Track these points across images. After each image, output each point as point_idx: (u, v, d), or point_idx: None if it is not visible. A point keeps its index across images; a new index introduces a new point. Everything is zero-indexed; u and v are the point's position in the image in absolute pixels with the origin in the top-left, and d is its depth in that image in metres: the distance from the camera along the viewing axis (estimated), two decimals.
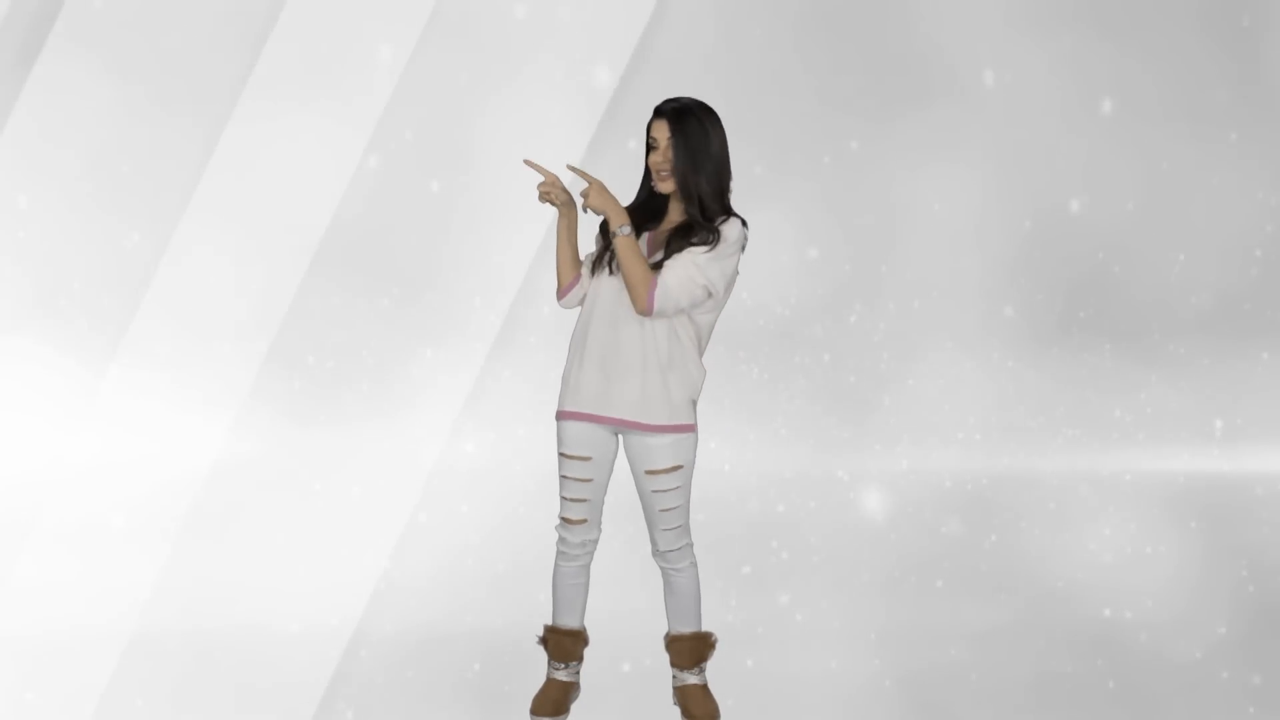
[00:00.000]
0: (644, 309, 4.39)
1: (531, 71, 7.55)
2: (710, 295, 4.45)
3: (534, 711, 4.66)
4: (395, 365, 7.64)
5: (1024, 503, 7.31)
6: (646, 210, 4.52)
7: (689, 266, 4.39)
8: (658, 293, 4.37)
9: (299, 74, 7.56)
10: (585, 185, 4.45)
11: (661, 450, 4.47)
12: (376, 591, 5.98)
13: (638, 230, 4.48)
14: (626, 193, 4.61)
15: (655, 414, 4.46)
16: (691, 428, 4.52)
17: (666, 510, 4.53)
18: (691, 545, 4.63)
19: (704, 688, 4.68)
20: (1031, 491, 7.44)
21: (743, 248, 4.47)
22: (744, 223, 4.47)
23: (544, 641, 4.72)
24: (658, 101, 4.56)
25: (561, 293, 4.64)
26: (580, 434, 4.51)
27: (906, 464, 7.66)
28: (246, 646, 5.36)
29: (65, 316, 7.50)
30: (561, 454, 4.55)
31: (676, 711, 4.68)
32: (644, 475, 4.51)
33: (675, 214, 4.51)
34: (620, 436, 4.54)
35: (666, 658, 4.75)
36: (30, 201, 7.51)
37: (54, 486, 6.92)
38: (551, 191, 4.52)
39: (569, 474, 4.54)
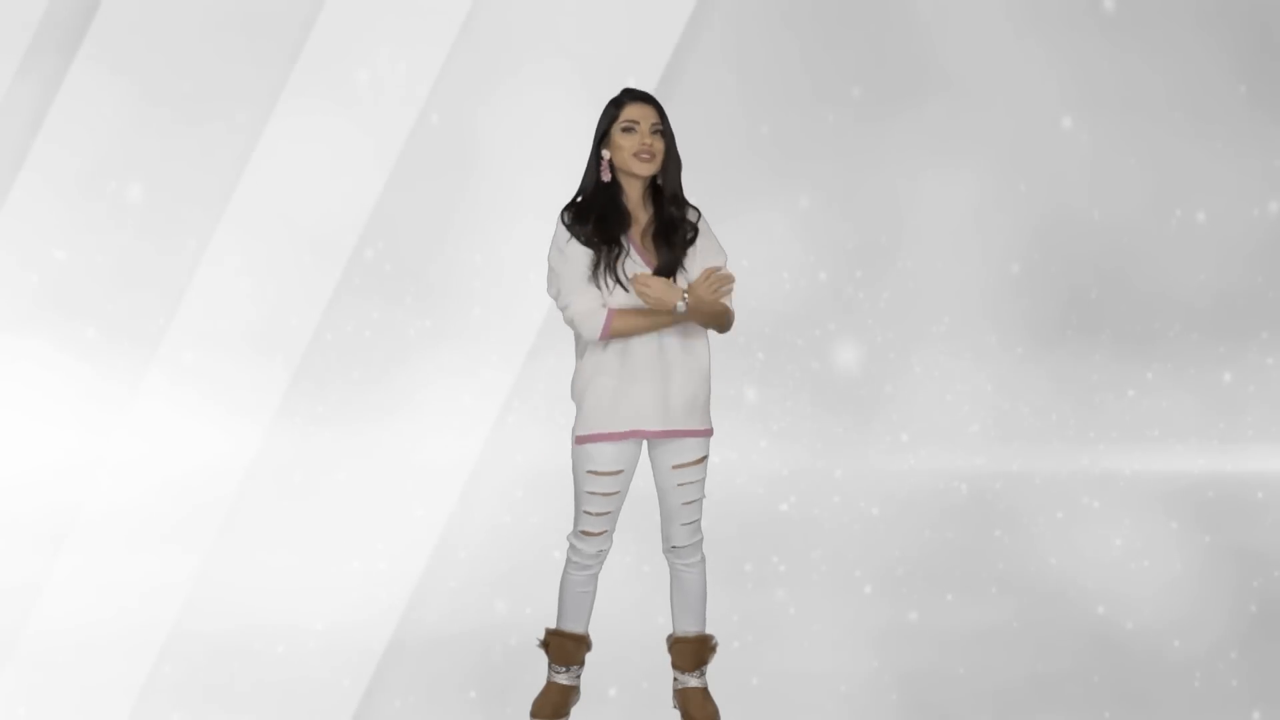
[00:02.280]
0: (729, 329, 4.47)
1: (557, 79, 7.56)
2: None
3: (534, 714, 4.66)
4: (419, 372, 7.67)
5: (1025, 502, 7.31)
6: (604, 206, 4.39)
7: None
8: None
9: (329, 84, 7.61)
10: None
11: (693, 445, 4.50)
12: (377, 594, 5.98)
13: (615, 235, 4.37)
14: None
15: (700, 419, 4.49)
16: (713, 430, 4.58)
17: (688, 503, 4.53)
18: (703, 541, 4.62)
19: (704, 690, 4.67)
20: (1032, 491, 7.44)
21: None
22: (698, 210, 4.52)
23: (545, 645, 4.71)
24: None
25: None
26: (614, 451, 4.46)
27: (907, 463, 7.65)
28: (253, 648, 5.37)
29: (102, 321, 7.57)
30: (590, 472, 4.46)
31: (676, 714, 4.67)
32: (670, 470, 4.50)
33: (637, 202, 4.44)
34: (648, 441, 4.53)
35: (666, 661, 4.74)
36: (61, 210, 7.57)
37: (92, 488, 6.97)
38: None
39: (598, 490, 4.47)
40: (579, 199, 4.44)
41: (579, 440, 4.47)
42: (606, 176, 4.42)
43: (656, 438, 4.48)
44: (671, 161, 4.42)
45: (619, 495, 4.52)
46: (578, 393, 4.50)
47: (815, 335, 7.91)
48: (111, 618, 5.65)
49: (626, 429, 4.44)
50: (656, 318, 4.35)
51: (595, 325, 4.34)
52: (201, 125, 7.62)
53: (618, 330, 4.35)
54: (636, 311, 4.35)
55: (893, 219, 8.00)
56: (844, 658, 5.39)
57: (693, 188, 4.66)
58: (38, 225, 7.61)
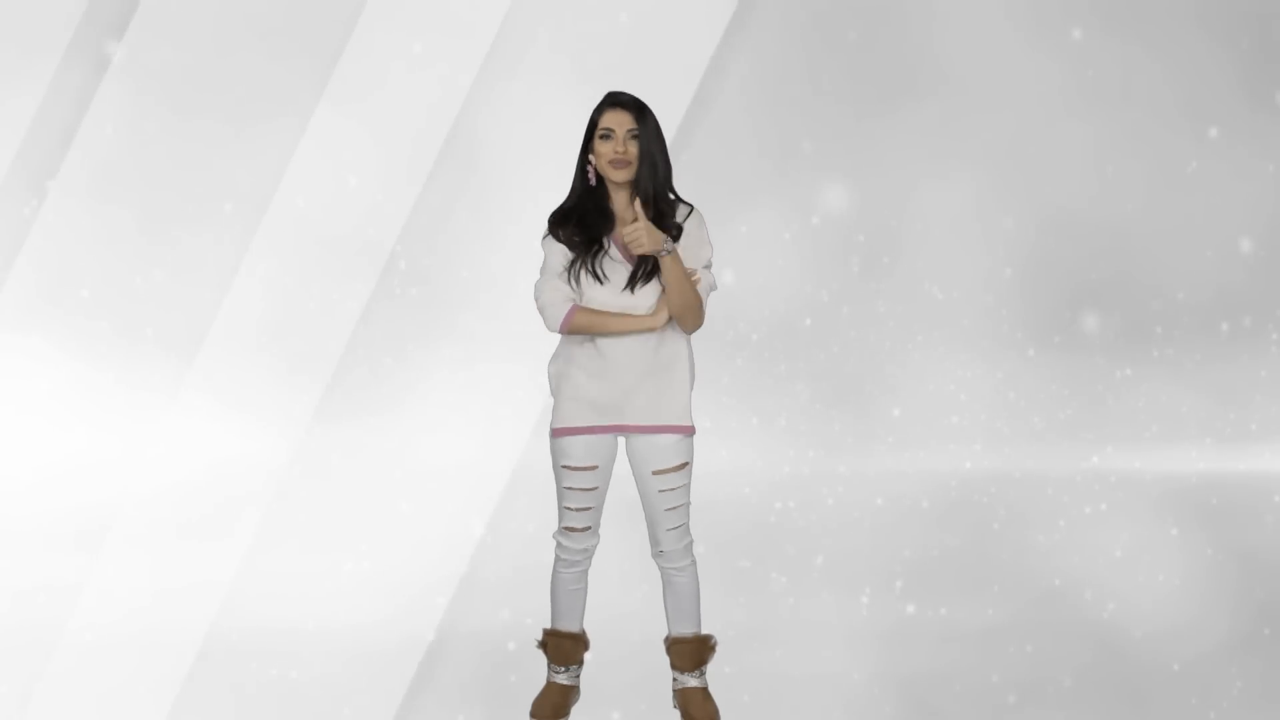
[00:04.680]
0: (697, 326, 4.46)
1: (571, 82, 7.57)
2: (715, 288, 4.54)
3: (534, 714, 4.67)
4: (420, 373, 7.70)
5: (1026, 502, 7.31)
6: (590, 208, 4.46)
7: (706, 274, 4.47)
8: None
9: (366, 94, 7.64)
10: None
11: (669, 449, 4.48)
12: (377, 596, 5.99)
13: (596, 235, 4.44)
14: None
15: (667, 415, 4.47)
16: (694, 429, 4.54)
17: (671, 509, 4.53)
18: (692, 544, 4.62)
19: (704, 690, 4.67)
20: (1034, 491, 7.44)
21: None
22: (692, 206, 4.52)
23: (543, 645, 4.72)
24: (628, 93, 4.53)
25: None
26: (586, 445, 4.49)
27: (907, 463, 7.65)
28: (253, 651, 5.38)
29: (139, 331, 7.62)
30: (565, 467, 4.51)
31: (676, 714, 4.67)
32: (650, 476, 4.50)
33: (623, 205, 4.47)
34: (623, 440, 4.54)
35: (666, 660, 4.74)
36: (84, 217, 7.62)
37: (131, 492, 7.01)
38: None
39: (574, 485, 4.51)
40: (566, 201, 4.51)
41: (553, 434, 4.52)
42: (593, 180, 4.46)
43: (631, 433, 4.49)
44: (647, 163, 4.43)
45: (598, 491, 4.54)
46: (552, 387, 4.56)
47: (816, 333, 7.92)
48: (147, 618, 5.69)
49: (600, 423, 4.46)
50: (621, 323, 4.40)
51: (556, 316, 4.42)
52: (226, 133, 7.68)
53: (577, 325, 4.41)
54: (604, 314, 4.41)
55: (894, 216, 8.00)
56: (844, 658, 5.39)
57: (693, 186, 4.67)
58: (71, 230, 7.67)
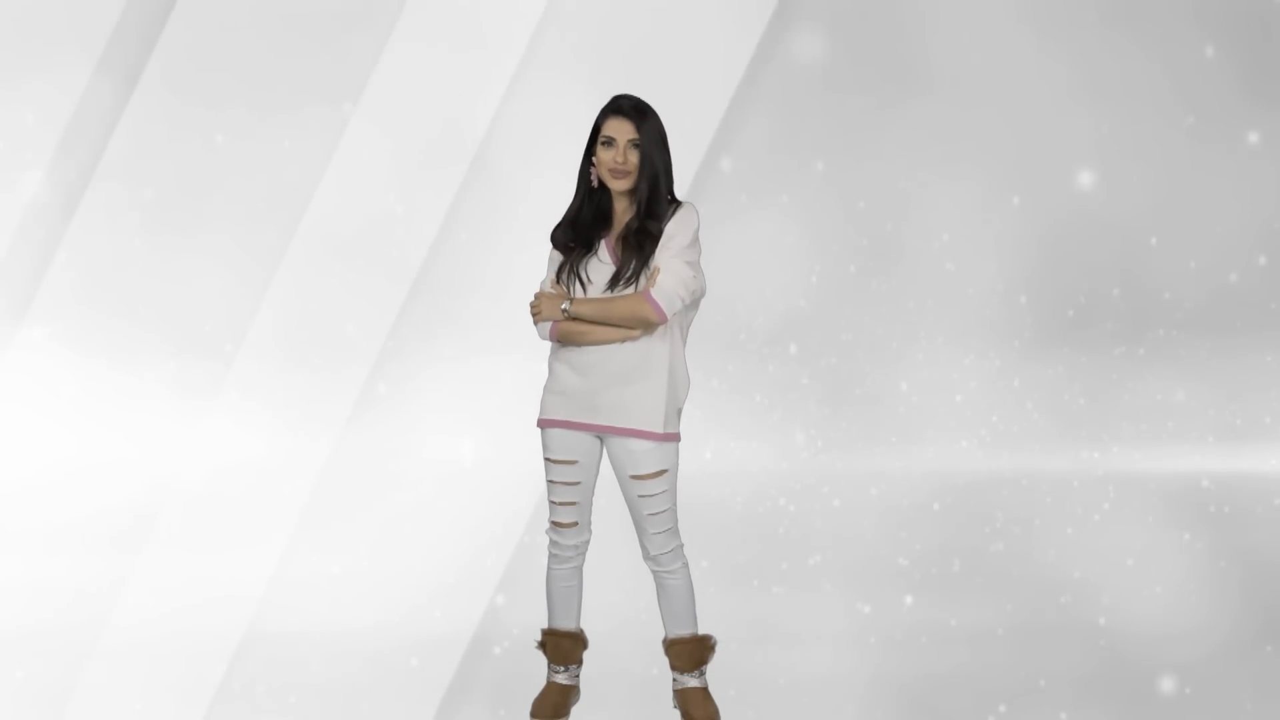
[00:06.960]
0: (658, 320, 4.45)
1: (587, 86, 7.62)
2: (702, 284, 4.55)
3: (534, 714, 4.70)
4: (419, 368, 7.75)
5: (1028, 502, 7.29)
6: (591, 213, 4.54)
7: (674, 262, 4.46)
8: (659, 300, 4.44)
9: (400, 101, 7.71)
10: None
11: (646, 455, 4.51)
12: (376, 595, 6.03)
13: (591, 238, 4.53)
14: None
15: (639, 419, 4.50)
16: (676, 436, 4.57)
17: (654, 514, 4.56)
18: (682, 546, 4.64)
19: (704, 690, 4.69)
20: (1035, 491, 7.42)
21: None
22: (680, 204, 4.54)
23: (542, 645, 4.76)
24: (622, 94, 4.57)
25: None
26: (564, 439, 4.56)
27: (909, 462, 7.65)
28: (246, 653, 5.45)
29: (174, 336, 7.72)
30: (547, 459, 4.59)
31: (677, 714, 4.68)
32: (629, 480, 4.54)
33: (623, 210, 4.54)
34: (603, 441, 4.60)
35: (666, 660, 4.75)
36: (133, 228, 7.74)
37: (168, 495, 7.10)
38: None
39: (555, 478, 4.59)
40: (570, 207, 4.58)
41: (538, 424, 4.61)
42: (595, 183, 4.54)
43: (605, 433, 4.53)
44: (647, 171, 4.49)
45: (581, 487, 4.60)
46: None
47: (816, 333, 7.92)
48: (183, 619, 5.77)
49: (574, 418, 4.53)
50: (601, 332, 4.49)
51: (544, 325, 4.55)
52: (256, 138, 7.79)
53: (562, 333, 4.53)
54: (588, 320, 4.49)
55: (895, 216, 8.00)
56: (844, 658, 5.40)
57: (693, 185, 4.72)
58: (106, 237, 7.79)
